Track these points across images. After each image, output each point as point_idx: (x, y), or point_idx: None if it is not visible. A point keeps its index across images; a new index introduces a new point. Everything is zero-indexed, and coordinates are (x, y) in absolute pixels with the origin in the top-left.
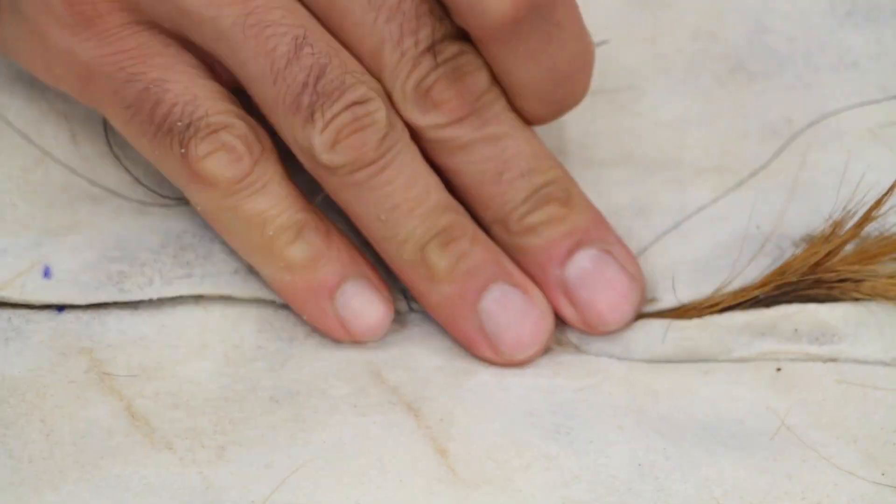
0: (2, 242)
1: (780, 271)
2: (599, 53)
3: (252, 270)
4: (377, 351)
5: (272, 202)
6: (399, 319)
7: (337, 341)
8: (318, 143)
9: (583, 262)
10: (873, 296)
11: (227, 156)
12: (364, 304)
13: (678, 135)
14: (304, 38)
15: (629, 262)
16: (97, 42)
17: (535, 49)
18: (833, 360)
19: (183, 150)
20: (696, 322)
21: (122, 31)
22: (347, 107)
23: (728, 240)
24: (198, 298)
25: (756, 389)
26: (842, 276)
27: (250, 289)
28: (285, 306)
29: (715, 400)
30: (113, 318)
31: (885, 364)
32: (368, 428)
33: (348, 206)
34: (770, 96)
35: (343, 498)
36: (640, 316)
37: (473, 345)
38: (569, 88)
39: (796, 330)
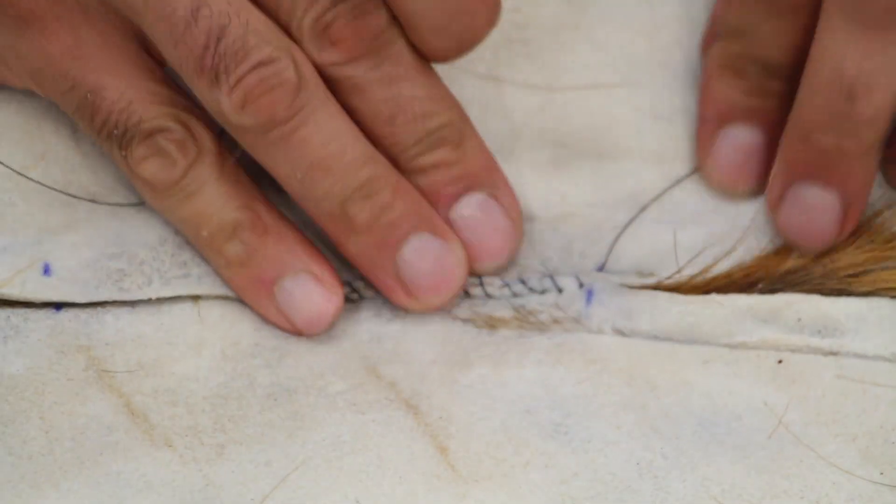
0: (1, 240)
1: (781, 257)
2: (599, 48)
3: None
4: (371, 344)
5: (206, 203)
6: (393, 312)
7: (331, 336)
8: (226, 105)
9: (468, 206)
10: (880, 288)
11: (160, 160)
12: (304, 297)
13: (677, 128)
14: (201, 0)
15: (513, 207)
16: (38, 42)
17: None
18: (834, 353)
19: (124, 154)
20: (701, 298)
21: (60, 28)
22: (253, 68)
23: (726, 231)
24: (196, 297)
25: (755, 384)
26: (851, 272)
27: None
28: None
29: (713, 394)
30: (111, 317)
31: (885, 359)
32: (367, 426)
33: (265, 165)
34: None
35: (342, 496)
36: (641, 287)
37: (390, 292)
38: (466, 22)
39: (799, 319)
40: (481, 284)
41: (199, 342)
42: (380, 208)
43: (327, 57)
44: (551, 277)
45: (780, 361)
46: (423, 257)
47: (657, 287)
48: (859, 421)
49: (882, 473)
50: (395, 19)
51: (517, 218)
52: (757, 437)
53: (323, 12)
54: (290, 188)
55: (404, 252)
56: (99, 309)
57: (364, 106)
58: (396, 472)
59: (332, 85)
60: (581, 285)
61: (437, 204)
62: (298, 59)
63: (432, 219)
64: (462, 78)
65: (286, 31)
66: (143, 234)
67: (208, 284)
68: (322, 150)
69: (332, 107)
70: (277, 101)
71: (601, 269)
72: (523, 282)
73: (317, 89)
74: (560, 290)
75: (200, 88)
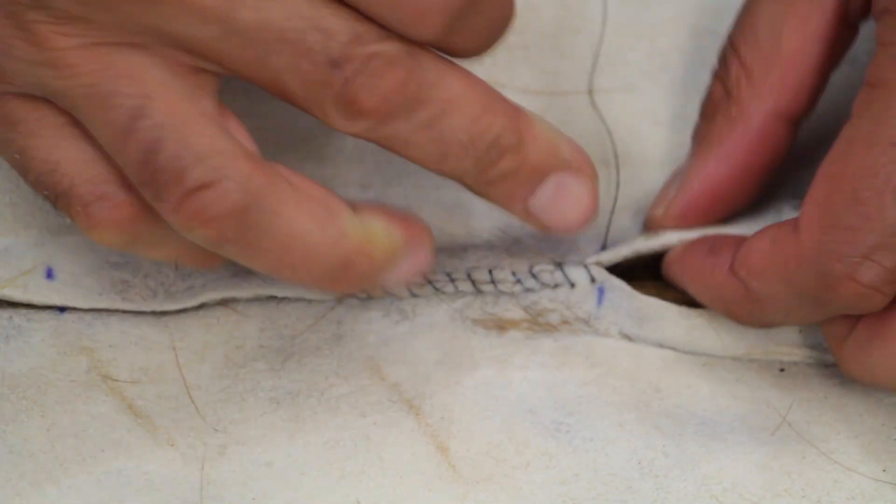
0: (3, 241)
1: None
2: (598, 53)
3: (250, 271)
4: (378, 346)
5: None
6: (402, 313)
7: (337, 336)
8: (173, 223)
9: (545, 195)
10: None
11: (111, 230)
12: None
13: (677, 132)
14: (141, 110)
15: (585, 164)
16: None
17: (472, 24)
18: (836, 364)
19: (68, 221)
20: (706, 313)
21: None
22: (192, 192)
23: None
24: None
25: (758, 388)
26: None
27: (250, 287)
28: (287, 300)
29: (716, 397)
30: (115, 318)
31: None
32: (368, 429)
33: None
34: None
35: (343, 496)
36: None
37: None
38: (502, 27)
39: (800, 332)
40: (492, 281)
41: (203, 346)
42: (358, 277)
43: (360, 126)
44: (562, 269)
45: (781, 370)
46: (400, 276)
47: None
48: (861, 420)
49: (884, 470)
50: (414, 54)
51: (591, 171)
52: (759, 435)
53: (343, 88)
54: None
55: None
56: (103, 311)
57: (412, 153)
58: (397, 473)
59: (372, 140)
60: (593, 280)
61: (515, 204)
62: (246, 173)
63: (409, 238)
64: None
65: (310, 111)
66: None
67: (212, 291)
68: (285, 255)
69: (291, 207)
70: (225, 225)
71: (603, 246)
72: (535, 276)
73: (271, 198)
74: (572, 285)
75: (147, 198)
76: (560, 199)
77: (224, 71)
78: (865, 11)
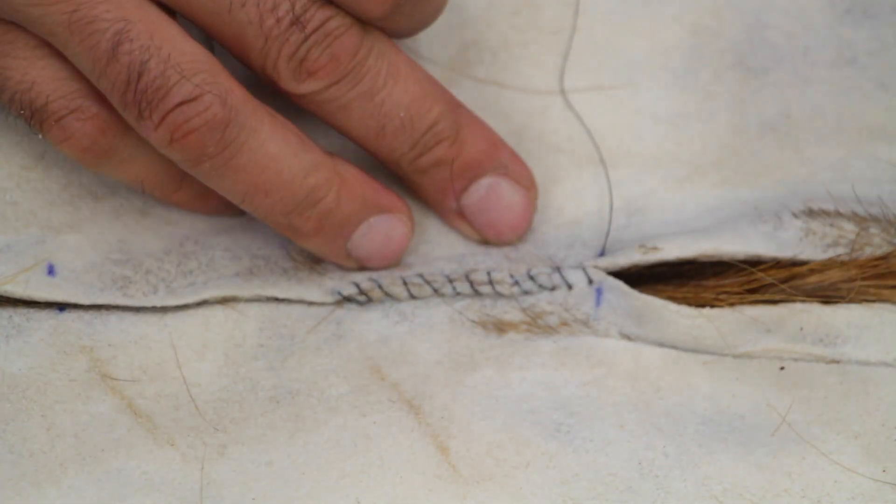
0: (4, 239)
1: (801, 270)
2: (599, 51)
3: (252, 271)
4: (377, 345)
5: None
6: (401, 314)
7: (337, 336)
8: (154, 140)
9: (478, 193)
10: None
11: (82, 142)
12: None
13: (677, 130)
14: (123, 34)
15: (523, 176)
16: None
17: (413, 8)
18: (836, 361)
19: (41, 136)
20: (706, 312)
21: None
22: (176, 106)
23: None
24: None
25: (758, 387)
26: (859, 298)
27: (251, 288)
28: (287, 301)
29: (717, 396)
30: (114, 317)
31: (887, 365)
32: (368, 427)
33: (207, 184)
34: (769, 92)
35: (343, 496)
36: (652, 287)
37: (342, 264)
38: (437, 12)
39: (801, 329)
40: (490, 283)
41: (203, 344)
42: (325, 213)
43: (307, 88)
44: (559, 272)
45: (782, 368)
46: (372, 238)
47: (671, 294)
48: (861, 420)
49: (884, 471)
50: (366, 30)
51: (529, 184)
52: (759, 435)
53: (295, 49)
54: (233, 202)
55: (353, 239)
56: (102, 310)
57: (351, 123)
58: (397, 473)
59: (316, 109)
60: (590, 282)
61: (446, 198)
62: (226, 89)
63: (379, 199)
64: (462, 82)
65: (261, 72)
66: (147, 242)
67: (213, 288)
68: (259, 175)
69: (267, 128)
70: (205, 138)
71: (602, 253)
72: (532, 278)
73: (250, 116)
74: (570, 287)
75: (129, 119)
76: (491, 203)
77: (189, 20)
78: None
